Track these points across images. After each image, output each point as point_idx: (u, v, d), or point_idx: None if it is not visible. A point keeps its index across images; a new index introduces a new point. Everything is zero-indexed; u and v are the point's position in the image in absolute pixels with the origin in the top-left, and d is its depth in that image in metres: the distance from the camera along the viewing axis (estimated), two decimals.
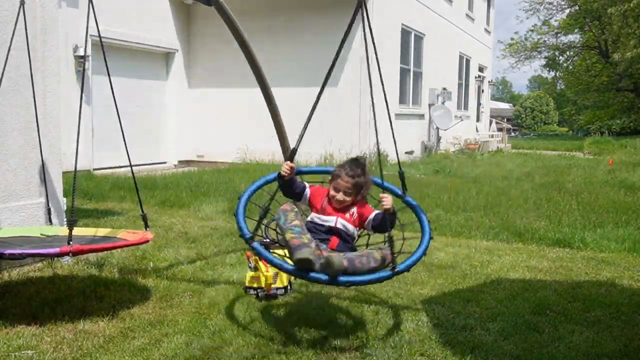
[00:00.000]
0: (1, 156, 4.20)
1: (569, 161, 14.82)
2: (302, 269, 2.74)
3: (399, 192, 3.26)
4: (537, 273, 4.59)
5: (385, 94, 2.88)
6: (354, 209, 3.20)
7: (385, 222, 3.05)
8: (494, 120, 24.69)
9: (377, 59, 2.92)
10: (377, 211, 3.19)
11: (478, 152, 16.83)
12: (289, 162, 3.13)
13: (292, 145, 4.81)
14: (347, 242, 3.13)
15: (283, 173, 3.12)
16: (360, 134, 12.18)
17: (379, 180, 3.26)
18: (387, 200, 3.00)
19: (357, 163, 3.25)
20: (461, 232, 6.06)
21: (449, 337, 3.19)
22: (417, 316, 3.51)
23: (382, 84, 2.90)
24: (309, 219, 3.21)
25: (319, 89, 3.00)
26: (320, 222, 3.15)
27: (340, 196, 3.15)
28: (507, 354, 2.99)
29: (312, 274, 2.73)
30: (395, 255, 2.86)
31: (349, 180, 3.15)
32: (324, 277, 2.71)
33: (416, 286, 4.14)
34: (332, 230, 3.11)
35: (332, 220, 3.13)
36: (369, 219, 3.17)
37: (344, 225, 3.13)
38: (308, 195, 3.29)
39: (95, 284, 3.97)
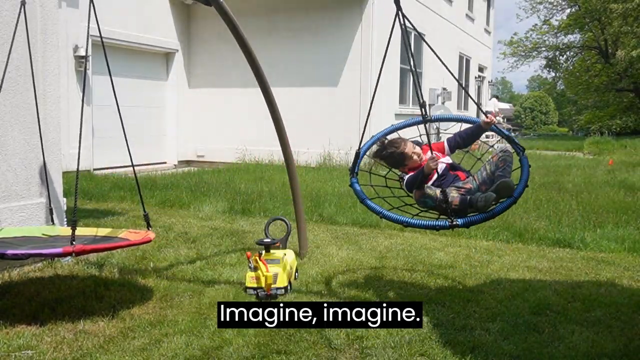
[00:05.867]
0: (1, 156, 4.21)
1: (568, 161, 14.81)
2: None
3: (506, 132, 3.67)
4: (537, 273, 4.59)
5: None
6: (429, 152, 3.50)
7: (474, 139, 3.67)
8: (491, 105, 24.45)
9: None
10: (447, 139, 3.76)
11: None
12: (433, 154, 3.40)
13: (292, 147, 4.82)
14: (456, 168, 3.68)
15: (434, 166, 3.37)
16: (360, 135, 12.18)
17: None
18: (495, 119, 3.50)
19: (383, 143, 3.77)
20: (461, 232, 6.05)
21: (449, 337, 3.20)
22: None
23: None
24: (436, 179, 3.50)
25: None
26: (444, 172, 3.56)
27: (419, 149, 3.72)
28: (507, 354, 2.99)
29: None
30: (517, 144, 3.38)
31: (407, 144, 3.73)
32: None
33: (416, 286, 4.15)
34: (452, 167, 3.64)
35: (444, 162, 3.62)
36: (450, 140, 3.71)
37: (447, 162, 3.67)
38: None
39: (96, 284, 3.97)
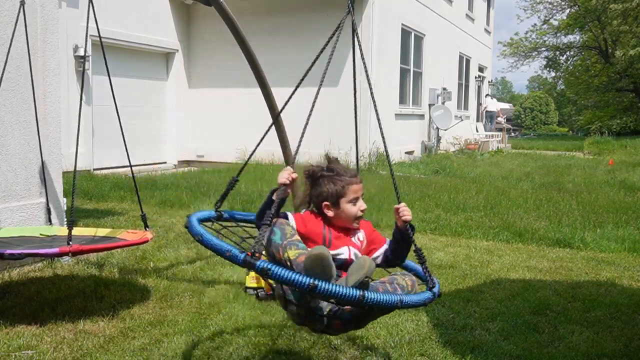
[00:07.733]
0: (1, 156, 4.20)
1: (568, 161, 14.81)
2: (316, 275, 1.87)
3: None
4: (537, 273, 4.59)
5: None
6: (361, 233, 2.33)
7: (401, 247, 2.29)
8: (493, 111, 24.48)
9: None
10: (388, 239, 2.37)
11: (478, 152, 16.82)
12: (290, 168, 2.27)
13: (292, 147, 4.81)
14: None
15: (285, 181, 2.21)
16: (360, 134, 12.18)
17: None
18: (406, 211, 2.22)
19: (338, 162, 2.49)
20: (461, 232, 6.06)
21: (449, 337, 3.20)
22: (417, 316, 3.51)
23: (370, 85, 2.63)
24: None
25: (318, 89, 2.93)
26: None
27: (364, 205, 2.32)
28: (507, 354, 2.99)
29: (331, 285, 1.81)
30: (429, 273, 2.12)
31: (360, 182, 2.31)
32: (349, 290, 1.80)
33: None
34: (346, 265, 2.12)
35: (344, 252, 2.23)
36: (380, 251, 2.34)
37: (356, 256, 2.23)
38: (295, 225, 2.27)
39: (96, 284, 3.97)
